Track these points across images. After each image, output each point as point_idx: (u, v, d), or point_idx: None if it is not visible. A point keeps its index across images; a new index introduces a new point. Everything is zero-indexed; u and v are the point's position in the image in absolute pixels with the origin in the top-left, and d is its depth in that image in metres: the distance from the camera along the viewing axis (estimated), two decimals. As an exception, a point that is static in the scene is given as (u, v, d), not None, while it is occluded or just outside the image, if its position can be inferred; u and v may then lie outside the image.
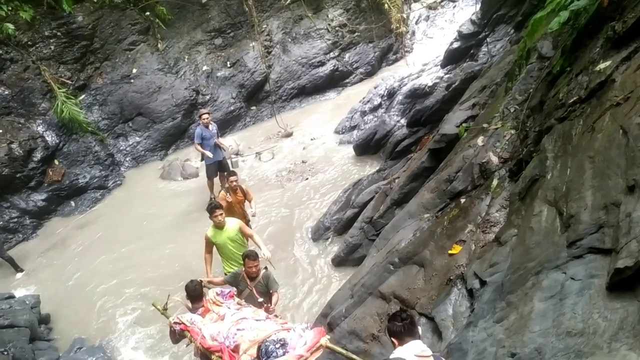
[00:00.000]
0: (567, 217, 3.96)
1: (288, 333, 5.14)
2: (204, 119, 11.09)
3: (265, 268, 7.09)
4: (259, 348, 4.95)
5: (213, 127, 11.32)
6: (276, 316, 5.92)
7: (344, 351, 4.86)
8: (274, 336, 5.06)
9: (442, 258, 5.75)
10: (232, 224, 7.67)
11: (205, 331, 5.59)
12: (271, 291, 6.84)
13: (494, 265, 4.74)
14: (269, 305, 6.59)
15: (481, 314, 4.36)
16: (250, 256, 6.80)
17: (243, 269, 6.90)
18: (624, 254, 3.13)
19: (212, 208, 7.52)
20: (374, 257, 7.23)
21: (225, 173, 11.07)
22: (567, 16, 4.98)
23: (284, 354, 4.78)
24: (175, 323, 5.94)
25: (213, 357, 5.41)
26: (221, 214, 7.56)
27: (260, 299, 6.70)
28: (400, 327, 3.81)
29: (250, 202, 9.46)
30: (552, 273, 3.78)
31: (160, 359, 7.84)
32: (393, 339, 3.87)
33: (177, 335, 6.03)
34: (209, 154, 10.96)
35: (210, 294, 6.36)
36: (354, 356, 4.62)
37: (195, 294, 6.45)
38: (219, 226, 7.54)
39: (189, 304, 6.55)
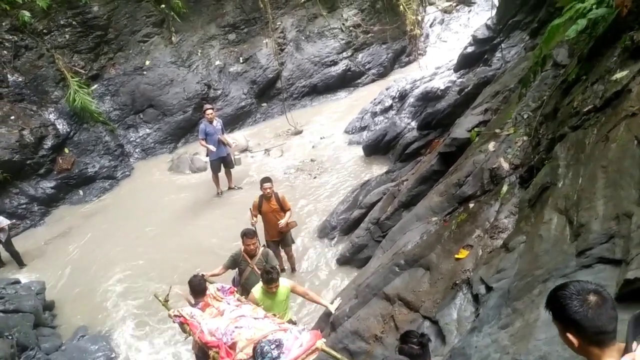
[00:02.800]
0: (578, 226, 3.92)
1: (285, 334, 5.17)
2: (208, 115, 11.12)
3: (264, 246, 7.57)
4: (254, 347, 4.96)
5: (218, 123, 11.35)
6: (274, 315, 5.94)
7: (339, 355, 4.94)
8: (271, 336, 5.09)
9: (448, 262, 5.72)
10: (283, 287, 6.45)
11: (204, 326, 5.67)
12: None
13: (500, 271, 4.71)
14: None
15: (486, 319, 4.34)
16: (248, 234, 7.11)
17: (242, 248, 7.17)
18: (635, 265, 3.11)
19: (269, 279, 6.19)
20: (380, 259, 7.21)
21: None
22: (584, 24, 4.94)
23: (279, 355, 4.80)
24: (175, 316, 6.04)
25: (210, 352, 5.48)
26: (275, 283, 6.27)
27: None
28: (418, 350, 3.84)
29: (286, 212, 8.51)
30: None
31: (161, 349, 7.85)
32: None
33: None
34: (212, 147, 10.99)
35: (211, 288, 6.43)
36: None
37: (199, 288, 6.46)
38: (269, 292, 6.31)
39: (190, 298, 6.59)
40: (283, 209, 8.50)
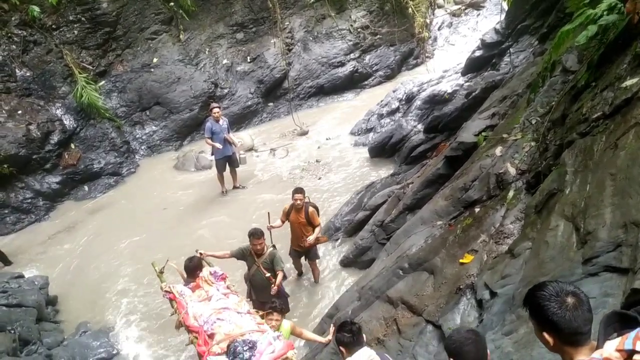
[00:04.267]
0: (584, 234, 3.90)
1: (261, 335, 5.36)
2: (214, 113, 11.14)
3: (273, 246, 7.53)
4: (229, 345, 5.15)
5: (224, 122, 11.36)
6: (257, 311, 6.13)
7: None
8: (247, 336, 5.30)
9: (452, 266, 5.70)
10: (284, 329, 6.24)
11: (190, 309, 5.92)
12: (276, 269, 7.21)
13: (505, 277, 4.69)
14: (274, 281, 7.11)
15: (490, 325, 4.32)
16: (255, 234, 7.12)
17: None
18: (642, 274, 3.08)
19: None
20: (384, 261, 7.20)
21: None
22: (595, 30, 4.93)
23: (249, 358, 4.98)
24: (166, 291, 6.35)
25: (190, 335, 5.81)
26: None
27: (268, 274, 7.16)
28: (349, 337, 4.14)
29: (314, 228, 8.14)
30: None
31: (162, 347, 7.86)
32: (341, 348, 4.20)
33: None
34: (218, 145, 11.00)
35: (205, 272, 6.64)
36: None
37: (191, 266, 6.74)
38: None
39: (185, 275, 6.89)
40: (311, 223, 8.12)
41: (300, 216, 8.07)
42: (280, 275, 7.24)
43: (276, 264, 7.24)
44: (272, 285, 7.15)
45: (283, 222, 8.30)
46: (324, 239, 8.72)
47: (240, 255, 7.43)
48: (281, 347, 5.23)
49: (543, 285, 2.38)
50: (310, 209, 8.13)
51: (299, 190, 8.12)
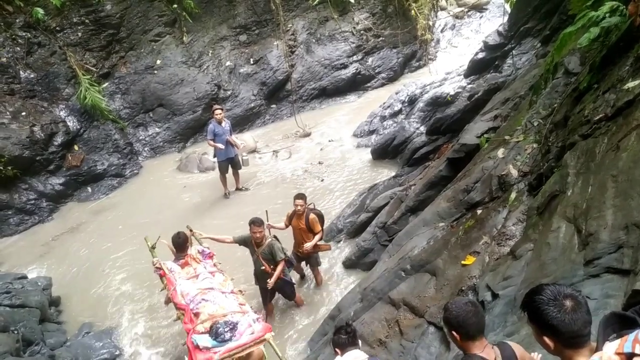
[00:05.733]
0: (586, 235, 3.91)
1: (242, 317, 5.83)
2: (217, 115, 11.17)
3: (274, 237, 7.59)
4: (212, 325, 5.65)
5: (226, 124, 11.40)
6: (240, 291, 6.66)
7: (279, 354, 5.68)
8: (229, 317, 5.77)
9: (454, 268, 5.71)
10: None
11: (178, 286, 6.40)
12: (277, 259, 7.33)
13: (507, 279, 4.69)
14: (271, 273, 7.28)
15: (491, 326, 4.32)
16: (255, 222, 7.29)
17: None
18: (643, 275, 3.09)
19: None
20: (386, 263, 7.21)
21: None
22: (597, 32, 4.93)
23: (230, 338, 5.53)
24: (157, 267, 6.85)
25: (177, 312, 6.33)
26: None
27: (263, 266, 7.34)
28: (345, 339, 4.34)
29: (315, 234, 8.02)
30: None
31: (165, 348, 7.86)
32: (336, 349, 4.41)
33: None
34: (220, 146, 11.04)
35: (193, 250, 7.09)
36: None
37: (179, 242, 7.12)
38: None
39: (174, 250, 7.24)
40: (312, 230, 8.01)
41: (300, 222, 8.01)
42: (279, 267, 7.35)
43: (275, 254, 7.32)
44: (268, 280, 7.28)
45: (286, 226, 8.28)
46: (326, 247, 8.58)
47: (241, 241, 7.66)
48: (260, 329, 5.74)
49: (541, 289, 2.38)
50: (312, 215, 7.97)
51: (299, 196, 8.02)
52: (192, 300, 6.12)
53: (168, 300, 6.84)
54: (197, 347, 5.56)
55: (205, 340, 5.56)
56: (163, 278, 6.79)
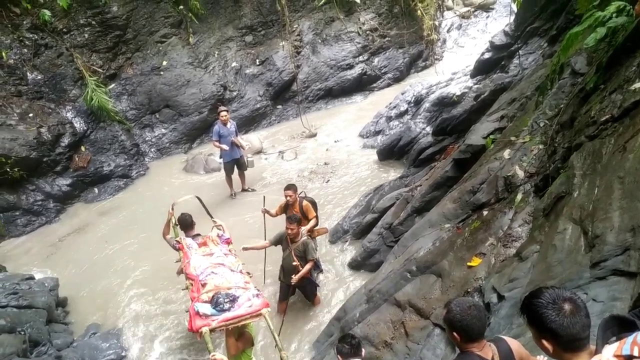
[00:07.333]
0: (592, 237, 3.88)
1: (244, 292, 6.12)
2: (222, 117, 11.20)
3: (308, 236, 7.77)
4: (213, 295, 5.98)
5: (231, 125, 11.43)
6: (248, 273, 6.86)
7: (272, 327, 5.84)
8: (233, 290, 6.09)
9: (460, 269, 5.69)
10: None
11: (192, 259, 6.84)
12: (308, 258, 7.48)
13: (513, 281, 4.68)
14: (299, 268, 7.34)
15: (497, 329, 4.31)
16: (290, 218, 7.49)
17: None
18: (650, 278, 3.06)
19: None
20: (391, 264, 7.19)
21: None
22: (604, 33, 4.91)
23: (229, 308, 5.83)
24: (177, 241, 7.40)
25: (187, 282, 6.77)
26: None
27: (295, 262, 7.38)
28: (348, 349, 4.45)
29: (309, 221, 8.30)
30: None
31: (171, 349, 7.88)
32: (339, 357, 4.53)
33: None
34: (225, 147, 11.07)
35: (213, 233, 7.53)
36: (280, 344, 5.73)
37: (185, 223, 7.67)
38: None
39: (170, 225, 7.79)
40: (307, 217, 8.29)
41: (295, 211, 8.27)
42: (308, 265, 7.47)
43: (308, 252, 7.46)
44: (293, 275, 7.36)
45: (277, 214, 8.59)
46: (324, 230, 8.83)
47: (278, 240, 7.82)
48: (258, 303, 6.01)
49: (539, 292, 2.39)
50: (305, 202, 8.40)
51: (288, 187, 8.43)
52: (202, 272, 6.51)
53: (180, 271, 7.39)
54: (197, 313, 5.87)
55: (205, 308, 5.88)
56: (180, 252, 7.29)
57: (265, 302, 6.18)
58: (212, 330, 5.72)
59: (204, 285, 6.29)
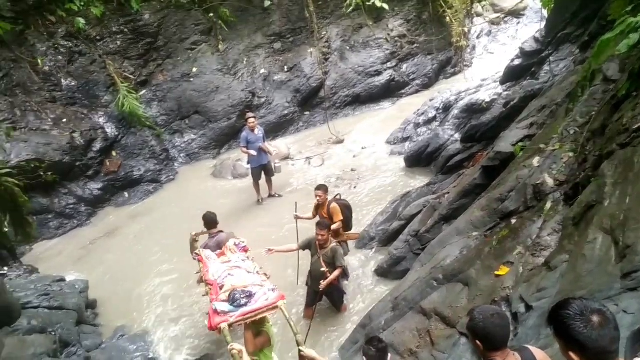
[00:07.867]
0: (623, 247, 3.80)
1: (261, 288, 6.23)
2: (250, 123, 11.29)
3: (338, 242, 7.75)
4: (230, 293, 6.11)
5: (259, 131, 11.50)
6: (265, 274, 6.80)
7: (288, 317, 5.94)
8: (249, 288, 6.18)
9: (487, 278, 5.62)
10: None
11: (211, 268, 7.01)
12: (336, 264, 7.44)
13: (541, 290, 4.60)
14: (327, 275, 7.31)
15: (525, 339, 4.24)
16: (320, 224, 7.45)
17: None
18: (683, 290, 2.99)
19: None
20: (418, 272, 7.14)
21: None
22: (637, 39, 4.80)
23: (246, 303, 5.96)
24: (196, 254, 7.58)
25: (206, 287, 6.94)
26: None
27: (324, 269, 7.37)
28: (374, 352, 4.28)
29: (333, 223, 8.20)
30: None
31: (198, 353, 7.94)
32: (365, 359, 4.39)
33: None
34: (253, 152, 11.16)
35: (230, 242, 7.59)
36: (295, 329, 5.76)
37: (209, 220, 8.04)
38: None
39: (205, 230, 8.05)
40: (332, 219, 8.29)
41: (323, 212, 8.39)
42: (336, 272, 7.42)
43: (337, 259, 7.42)
44: (322, 281, 7.32)
45: (314, 215, 8.64)
46: (355, 235, 8.87)
47: (307, 245, 7.83)
48: (274, 296, 6.13)
49: (567, 304, 2.34)
50: (332, 204, 8.35)
51: (319, 187, 8.51)
52: (220, 276, 6.68)
53: (200, 280, 7.55)
54: (215, 311, 6.01)
55: (223, 306, 6.02)
56: (200, 263, 7.42)
57: (282, 294, 6.27)
58: (230, 326, 5.85)
59: (222, 287, 6.42)
